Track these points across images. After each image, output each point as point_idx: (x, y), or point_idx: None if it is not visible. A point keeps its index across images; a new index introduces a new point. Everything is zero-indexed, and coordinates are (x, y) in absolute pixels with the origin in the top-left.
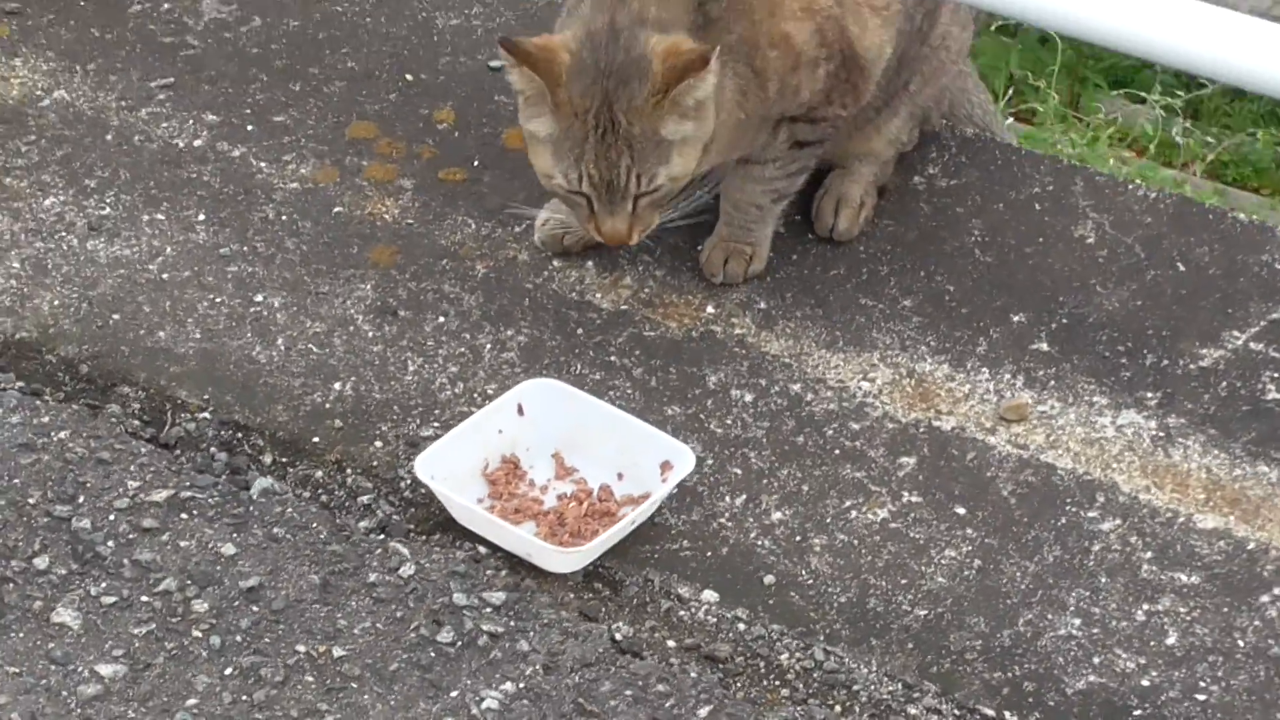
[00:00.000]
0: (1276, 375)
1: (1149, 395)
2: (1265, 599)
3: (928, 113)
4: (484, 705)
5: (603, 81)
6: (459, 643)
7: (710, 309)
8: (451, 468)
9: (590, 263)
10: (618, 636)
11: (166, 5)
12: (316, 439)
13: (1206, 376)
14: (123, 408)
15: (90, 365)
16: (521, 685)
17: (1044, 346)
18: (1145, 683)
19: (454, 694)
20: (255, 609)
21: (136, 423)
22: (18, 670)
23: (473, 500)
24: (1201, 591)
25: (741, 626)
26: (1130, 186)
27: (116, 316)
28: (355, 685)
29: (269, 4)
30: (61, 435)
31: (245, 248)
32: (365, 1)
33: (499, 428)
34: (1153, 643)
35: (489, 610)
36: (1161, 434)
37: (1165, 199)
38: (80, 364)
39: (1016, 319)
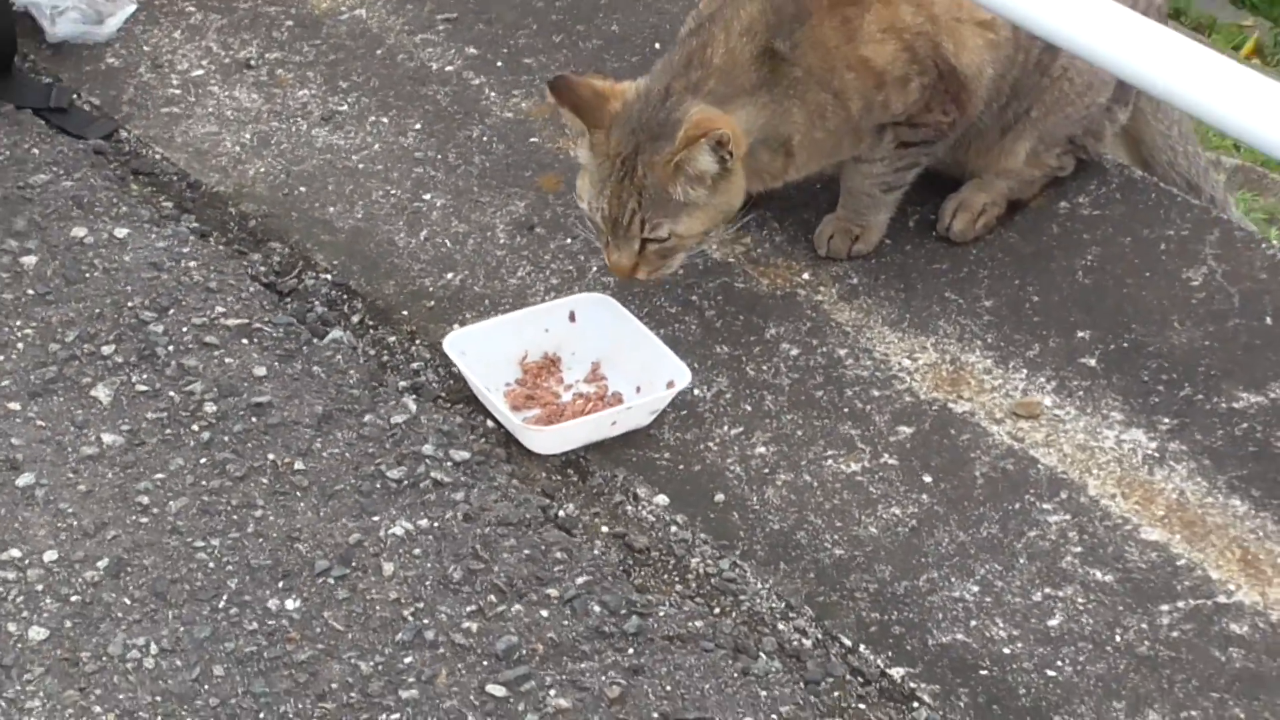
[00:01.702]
0: None
1: (1165, 420)
2: (1165, 608)
3: (1082, 142)
4: (392, 531)
5: (639, 134)
6: (404, 481)
7: (806, 275)
8: (487, 351)
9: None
10: (560, 514)
11: None
12: (406, 311)
13: (1231, 416)
14: (264, 257)
15: (258, 221)
16: (436, 524)
17: (1091, 362)
18: (1006, 650)
19: (375, 518)
20: (254, 420)
21: (263, 269)
22: (44, 425)
23: (500, 382)
24: (1108, 589)
25: (673, 529)
26: (1264, 246)
27: (303, 189)
28: (299, 494)
29: None
30: (190, 264)
31: (438, 155)
32: None
33: (546, 327)
34: (1034, 620)
35: (449, 464)
36: (1156, 454)
37: None
38: (252, 218)
39: (1080, 335)
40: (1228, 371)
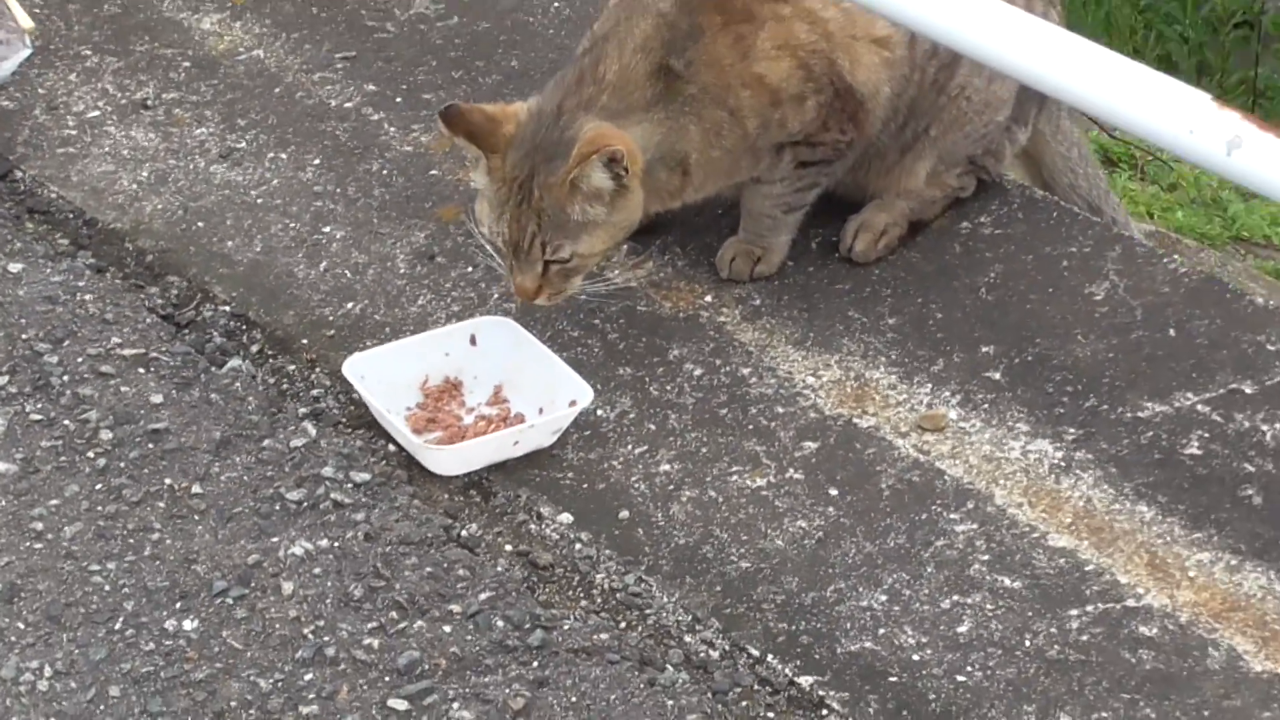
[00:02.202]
0: (1206, 435)
1: (1070, 430)
2: (1074, 612)
3: (982, 163)
4: (291, 551)
5: (534, 156)
6: (304, 503)
7: (709, 298)
8: (388, 374)
9: (625, 248)
10: (463, 533)
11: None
12: (305, 340)
13: (1136, 425)
14: (162, 291)
15: (155, 256)
16: (336, 544)
17: (995, 376)
18: (916, 657)
19: (274, 539)
20: (150, 446)
21: (160, 301)
22: None
23: (401, 406)
24: (1016, 595)
25: (578, 546)
26: (1165, 260)
27: (201, 224)
28: (196, 517)
29: (473, 8)
30: (86, 297)
31: (337, 189)
32: (556, 17)
33: (446, 350)
34: (942, 627)
35: (349, 486)
36: (1062, 464)
37: (1193, 275)
38: (149, 253)
39: (984, 350)
40: (1132, 382)
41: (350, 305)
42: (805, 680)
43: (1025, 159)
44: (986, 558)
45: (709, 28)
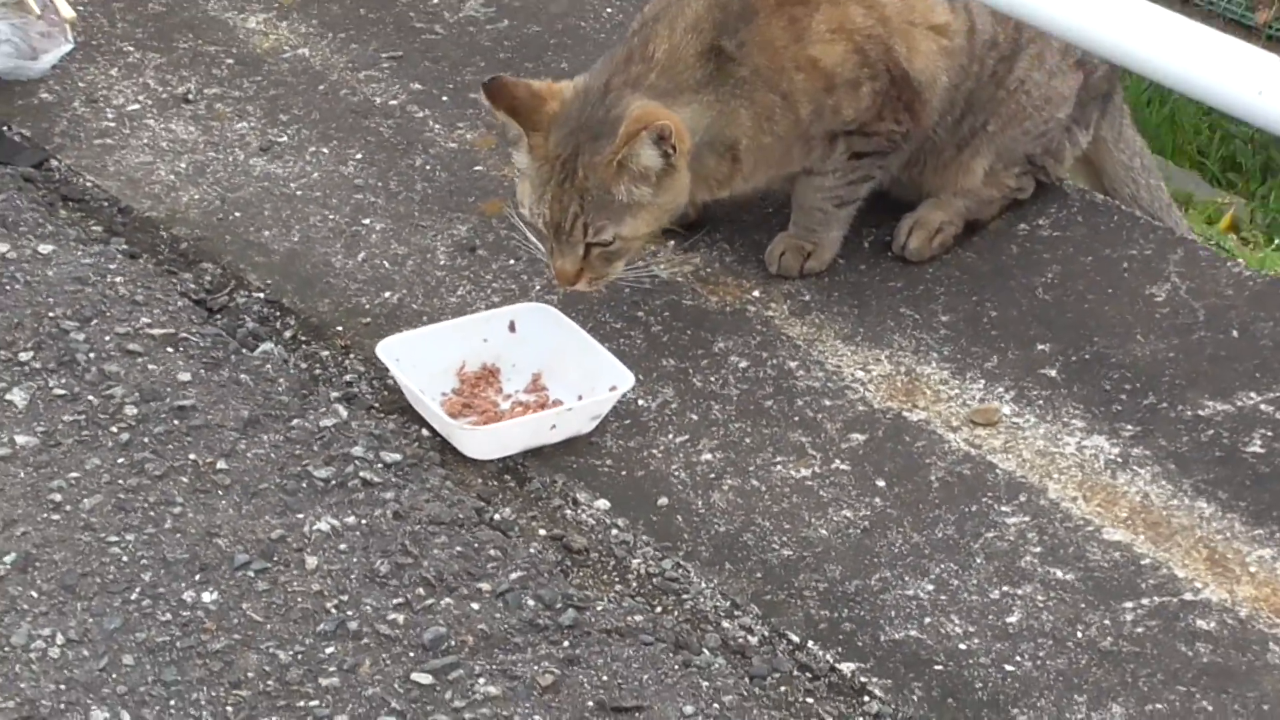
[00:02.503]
0: (1269, 434)
1: (1128, 427)
2: (1128, 604)
3: (1041, 163)
4: (317, 526)
5: (579, 135)
6: (332, 481)
7: (757, 293)
8: (422, 359)
9: (672, 242)
10: (496, 516)
11: (435, 2)
12: (340, 327)
13: (1197, 423)
14: (195, 277)
15: (190, 243)
16: (364, 521)
17: (1051, 373)
18: (963, 646)
19: (299, 515)
20: (175, 422)
21: (193, 286)
22: None
23: (436, 391)
24: (1069, 587)
25: (614, 532)
26: (1229, 264)
27: (238, 214)
28: (220, 492)
29: (524, 12)
30: (117, 280)
31: (379, 183)
32: (608, 22)
33: (484, 336)
34: (991, 617)
35: (379, 466)
36: (1120, 459)
37: (1257, 278)
38: (183, 241)
39: (1041, 348)
40: (1193, 381)
41: (388, 294)
42: (847, 667)
43: (1086, 167)
44: (1038, 550)
45: (762, 8)
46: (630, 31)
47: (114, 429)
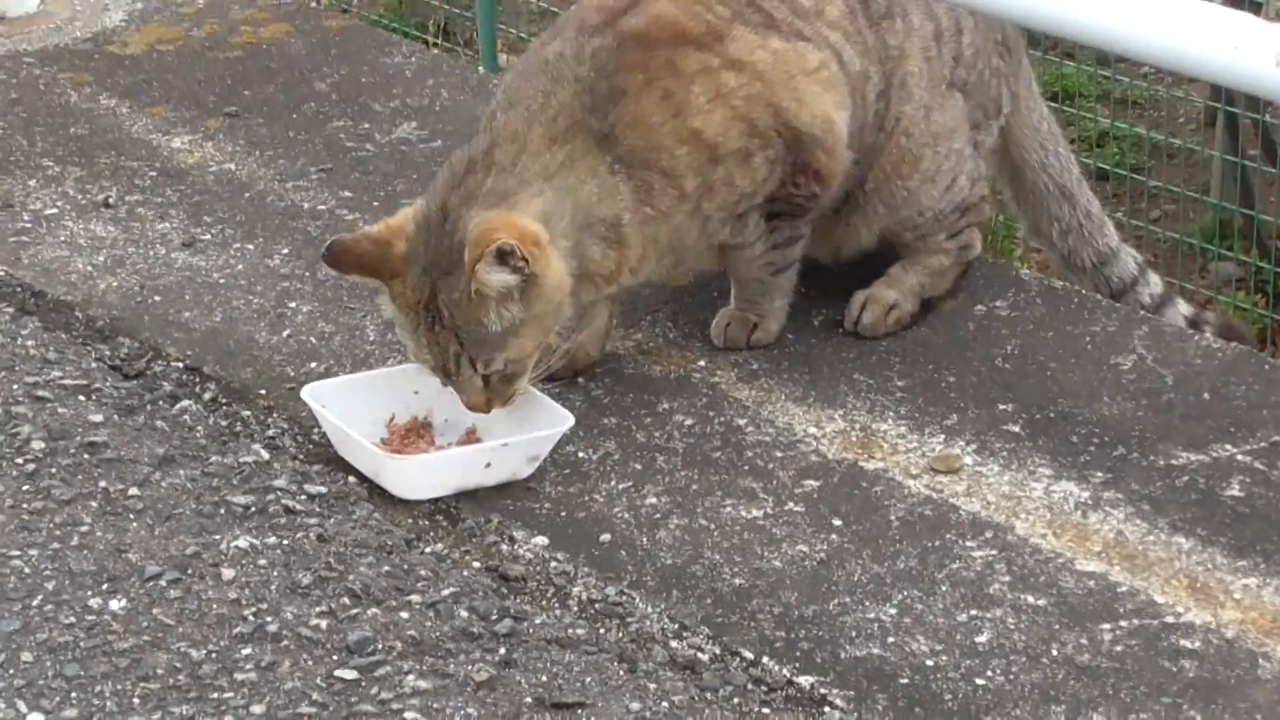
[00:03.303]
0: (1248, 480)
1: (1098, 474)
2: (1105, 626)
3: (970, 203)
4: (235, 544)
5: (430, 273)
6: (251, 508)
7: (702, 362)
8: (351, 407)
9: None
10: (426, 550)
11: (366, 125)
12: (264, 391)
13: (1170, 470)
14: (112, 350)
15: (106, 321)
16: (284, 541)
17: (1015, 428)
18: (929, 663)
19: (216, 537)
20: (85, 456)
21: (109, 354)
22: None
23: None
24: (1041, 611)
25: (553, 564)
26: (1198, 338)
27: (158, 298)
28: (131, 516)
29: (458, 134)
30: (29, 344)
31: (306, 273)
32: None
33: (416, 388)
34: (959, 636)
35: (303, 497)
36: (1090, 502)
37: (1227, 350)
38: (100, 320)
39: (1003, 407)
40: (1164, 435)
41: (314, 364)
42: (805, 680)
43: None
44: (1007, 579)
45: (630, 87)
46: (481, 127)
47: (19, 460)
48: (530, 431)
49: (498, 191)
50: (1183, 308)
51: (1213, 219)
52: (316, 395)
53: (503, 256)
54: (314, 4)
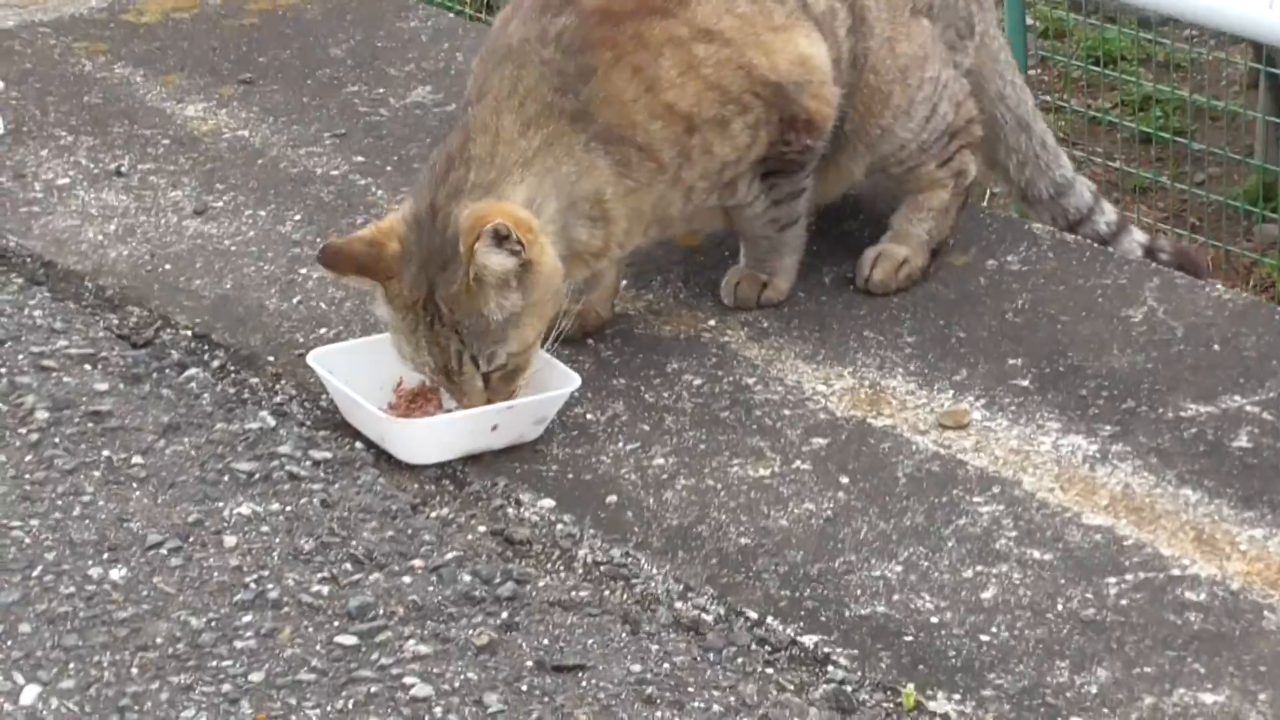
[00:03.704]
0: (1256, 431)
1: (1106, 428)
2: (1111, 580)
3: (955, 131)
4: (238, 511)
5: (426, 269)
6: (255, 474)
7: (712, 321)
8: (357, 372)
9: (625, 281)
10: (431, 515)
11: (381, 90)
12: (272, 358)
13: (1179, 423)
14: (120, 319)
15: (116, 290)
16: (287, 508)
17: (1024, 383)
18: (935, 620)
19: (219, 504)
20: (89, 425)
21: (117, 323)
22: None
23: (371, 405)
24: (1047, 565)
25: (559, 526)
26: (1209, 289)
27: (168, 266)
28: (134, 484)
29: None
30: (36, 314)
31: (318, 239)
32: None
33: None
34: (964, 593)
35: (307, 463)
36: (1098, 455)
37: (1237, 300)
38: (109, 289)
39: (1012, 362)
40: (1173, 387)
41: (324, 330)
42: (809, 639)
43: None
44: (1014, 534)
45: (599, 64)
46: (456, 123)
47: (23, 430)
48: (537, 393)
49: (482, 184)
50: (1138, 235)
51: (1257, 181)
52: (323, 360)
53: (499, 238)
54: None
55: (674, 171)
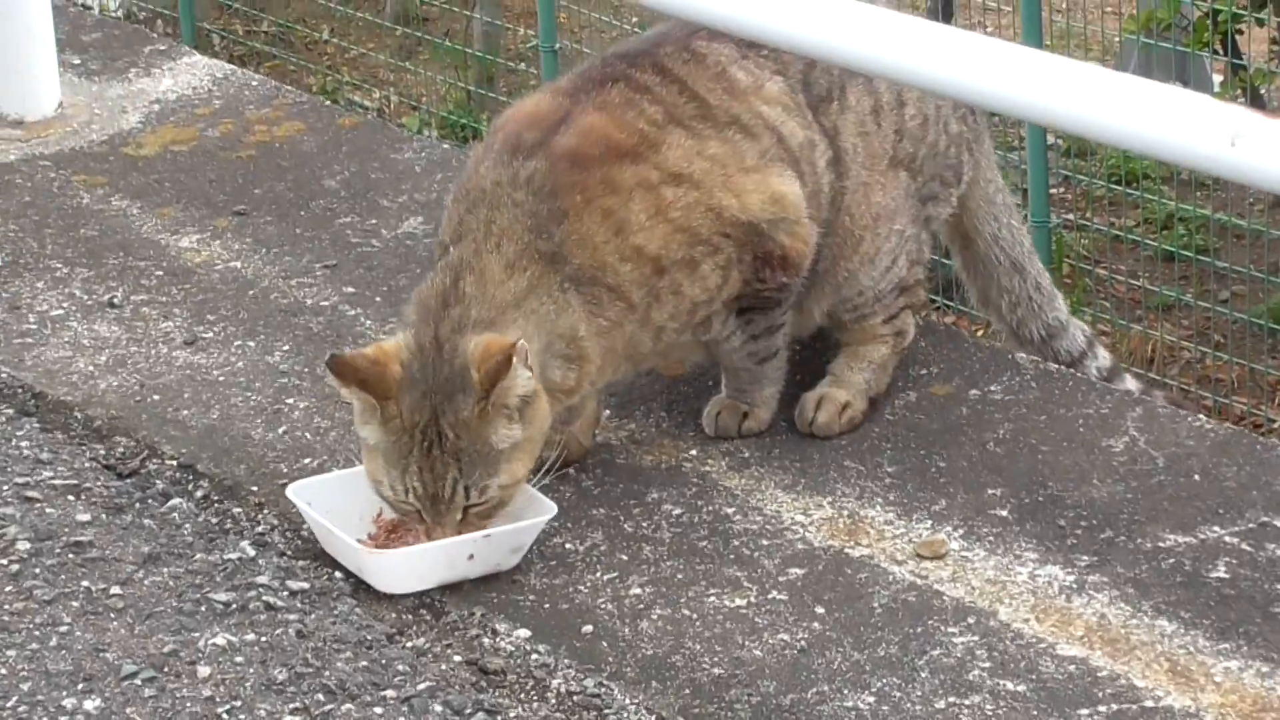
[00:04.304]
0: (1234, 562)
1: (1083, 557)
2: (1084, 711)
3: (908, 283)
4: (213, 641)
5: (431, 397)
6: (233, 605)
7: (693, 451)
8: (337, 504)
9: (608, 411)
10: (407, 645)
11: (373, 221)
12: (255, 488)
13: (1157, 553)
14: (108, 450)
15: (104, 421)
16: (263, 638)
17: (1003, 513)
18: None
19: (195, 634)
20: (70, 556)
21: (104, 453)
22: None
23: (350, 538)
24: (1020, 697)
25: (534, 656)
26: (1191, 419)
27: (156, 397)
28: (112, 615)
29: None
30: (23, 445)
31: (305, 369)
32: None
33: None
34: None
35: (285, 593)
36: (1075, 585)
37: (1219, 430)
38: (97, 420)
39: (991, 492)
40: (1152, 518)
41: (308, 460)
42: None
43: None
44: (987, 665)
45: (571, 208)
46: (436, 264)
47: (3, 561)
48: (514, 520)
49: (483, 320)
50: (1130, 383)
51: None
52: (303, 492)
53: (525, 357)
54: (327, 103)
55: (644, 311)
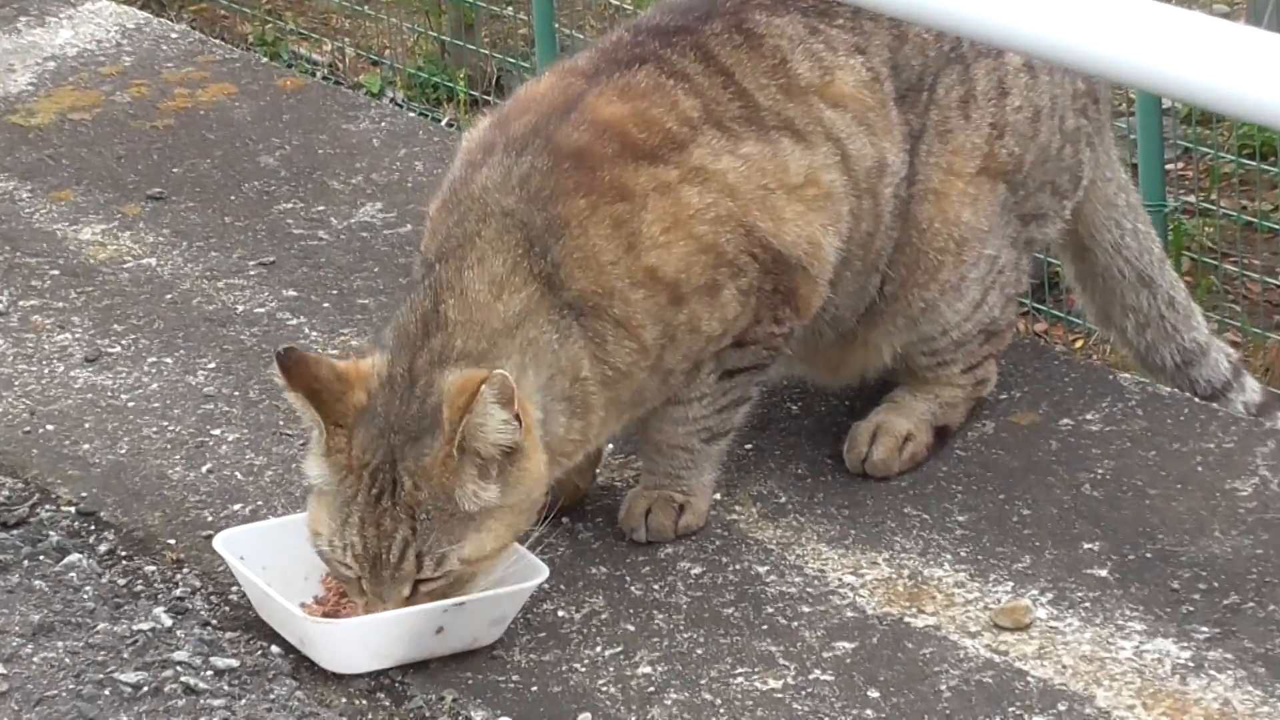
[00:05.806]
0: None
1: (1202, 629)
2: None
3: (999, 327)
4: None
5: (390, 436)
6: (144, 687)
7: (717, 495)
8: (276, 559)
9: (611, 445)
10: None
11: (320, 208)
12: (172, 540)
13: None
14: None
15: None
16: None
17: (1101, 573)
18: None
19: None
20: None
21: None
22: None
23: (293, 600)
24: None
25: None
26: None
27: (50, 427)
28: None
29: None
30: None
31: (235, 392)
32: None
33: None
34: None
35: (208, 672)
36: (1191, 663)
37: None
38: None
39: (1087, 547)
40: None
41: (238, 506)
42: None
43: None
44: None
45: (573, 217)
46: (418, 283)
47: None
48: (497, 584)
49: (470, 352)
50: None
51: None
52: (233, 544)
53: (504, 399)
54: (264, 60)
55: (656, 355)
